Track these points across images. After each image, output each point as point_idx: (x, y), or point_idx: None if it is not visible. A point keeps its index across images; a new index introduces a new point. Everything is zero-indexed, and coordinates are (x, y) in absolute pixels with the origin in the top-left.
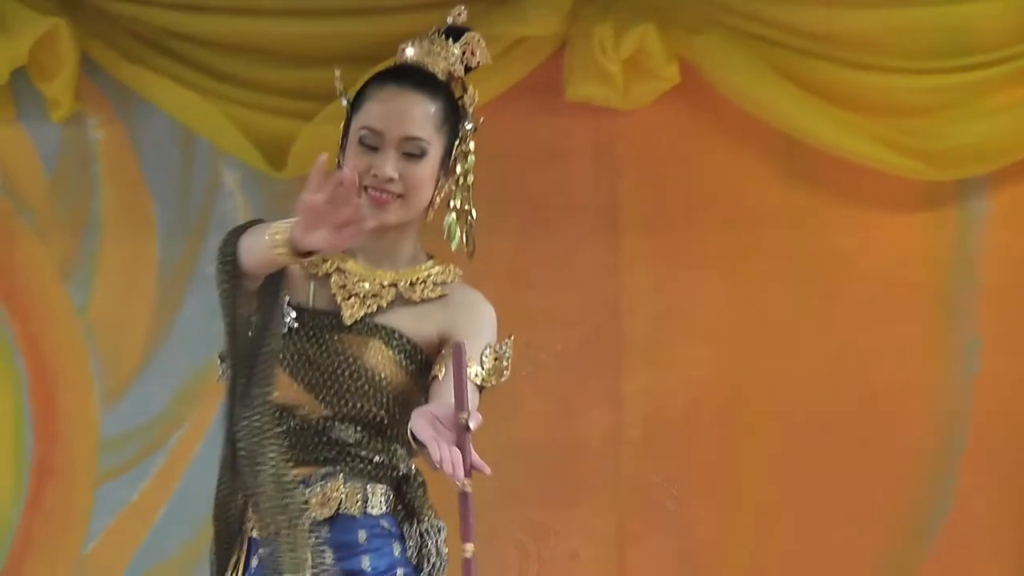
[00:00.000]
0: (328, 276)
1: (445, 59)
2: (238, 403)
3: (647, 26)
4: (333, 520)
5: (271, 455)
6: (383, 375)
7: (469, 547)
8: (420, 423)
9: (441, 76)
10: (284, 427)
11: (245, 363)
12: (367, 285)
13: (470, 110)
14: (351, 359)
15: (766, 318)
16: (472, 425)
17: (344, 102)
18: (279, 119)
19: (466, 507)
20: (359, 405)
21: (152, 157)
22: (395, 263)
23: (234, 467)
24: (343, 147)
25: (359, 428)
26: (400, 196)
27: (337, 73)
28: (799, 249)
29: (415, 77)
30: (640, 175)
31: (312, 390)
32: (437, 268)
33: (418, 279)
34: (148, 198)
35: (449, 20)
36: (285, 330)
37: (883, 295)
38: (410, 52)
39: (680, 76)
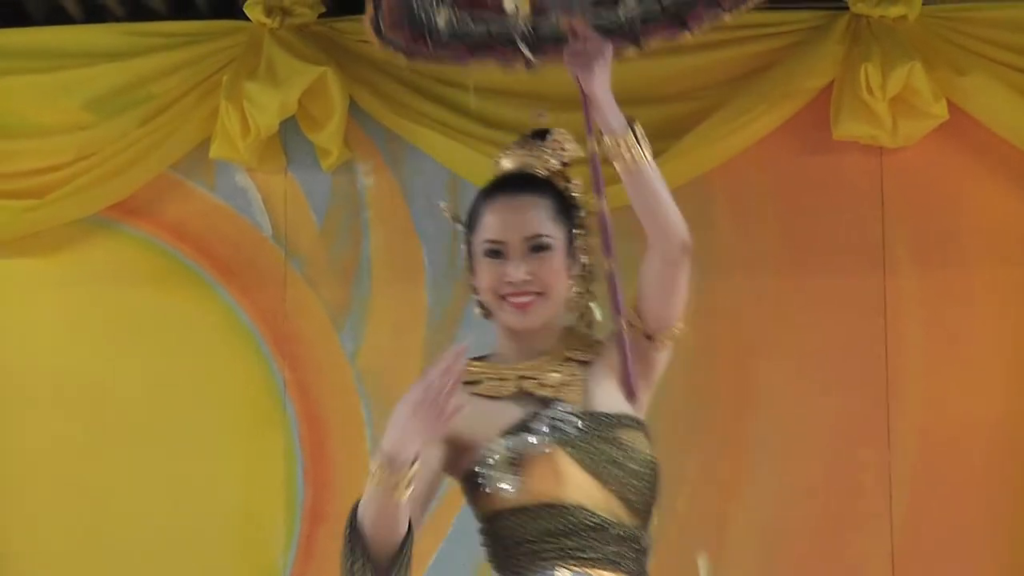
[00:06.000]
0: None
1: (540, 157)
2: None
3: (914, 64)
4: None
5: None
6: None
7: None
8: None
9: (542, 173)
10: None
11: None
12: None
13: (578, 198)
14: None
15: None
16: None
17: (458, 227)
18: None
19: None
20: None
21: (421, 202)
22: (546, 354)
23: None
24: (470, 268)
25: None
26: (540, 294)
27: (442, 204)
28: None
29: (520, 181)
30: (908, 212)
31: None
32: None
33: None
34: (417, 244)
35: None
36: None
37: None
38: (507, 163)
39: (948, 113)
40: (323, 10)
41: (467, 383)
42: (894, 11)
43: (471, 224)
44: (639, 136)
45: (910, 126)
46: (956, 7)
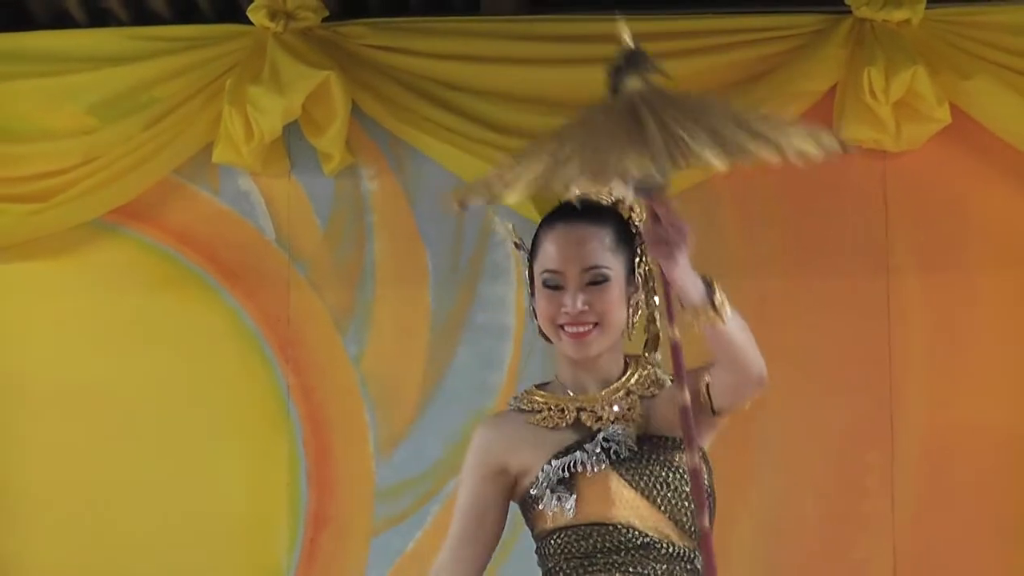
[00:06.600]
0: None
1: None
2: None
3: (917, 68)
4: None
5: None
6: None
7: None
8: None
9: (606, 201)
10: None
11: None
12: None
13: (642, 226)
14: None
15: None
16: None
17: (522, 252)
18: None
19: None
20: None
21: (424, 207)
22: (608, 382)
23: None
24: (531, 294)
25: None
26: (596, 324)
27: (510, 226)
28: None
29: (581, 211)
30: (912, 216)
31: None
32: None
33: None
34: (421, 248)
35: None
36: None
37: None
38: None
39: (952, 116)
40: (327, 14)
41: (526, 411)
42: (897, 15)
43: (533, 251)
44: (718, 303)
45: (913, 130)
46: (959, 11)
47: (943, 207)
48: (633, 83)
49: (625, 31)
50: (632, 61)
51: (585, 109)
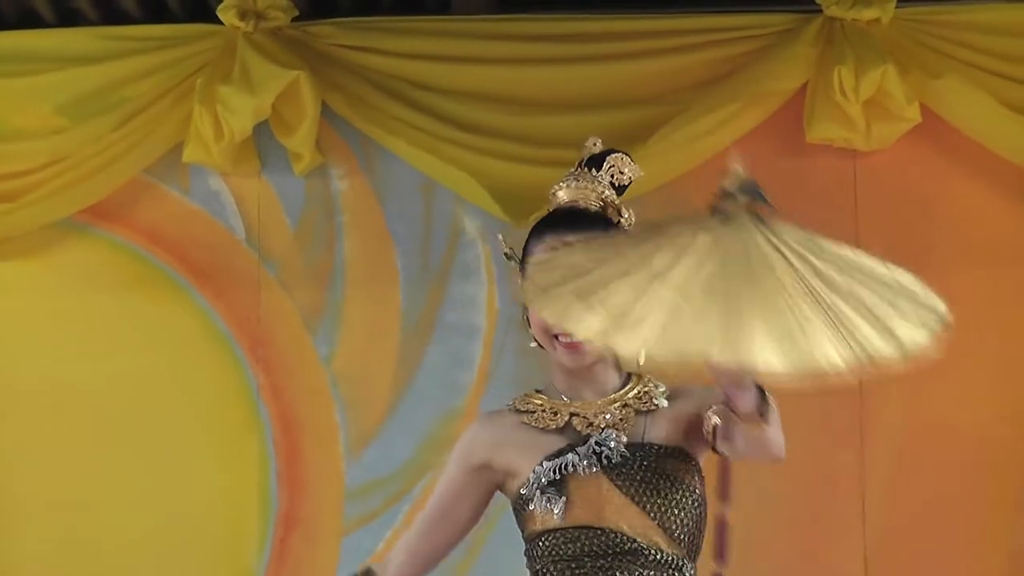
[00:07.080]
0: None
1: (595, 189)
2: None
3: (887, 67)
4: None
5: None
6: None
7: None
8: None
9: (595, 206)
10: None
11: None
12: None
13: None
14: None
15: (1010, 358)
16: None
17: (513, 263)
18: (518, 167)
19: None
20: None
21: (394, 206)
22: (604, 393)
23: None
24: (524, 304)
25: None
26: None
27: (500, 237)
28: None
29: (569, 220)
30: (882, 215)
31: None
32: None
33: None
34: (391, 248)
35: (585, 153)
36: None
37: None
38: (562, 195)
39: (921, 115)
40: (296, 14)
41: (522, 412)
42: (867, 14)
43: (524, 261)
44: (766, 413)
45: (883, 129)
46: (929, 10)
47: (913, 206)
48: (742, 215)
49: (738, 161)
50: (745, 191)
51: (684, 225)
